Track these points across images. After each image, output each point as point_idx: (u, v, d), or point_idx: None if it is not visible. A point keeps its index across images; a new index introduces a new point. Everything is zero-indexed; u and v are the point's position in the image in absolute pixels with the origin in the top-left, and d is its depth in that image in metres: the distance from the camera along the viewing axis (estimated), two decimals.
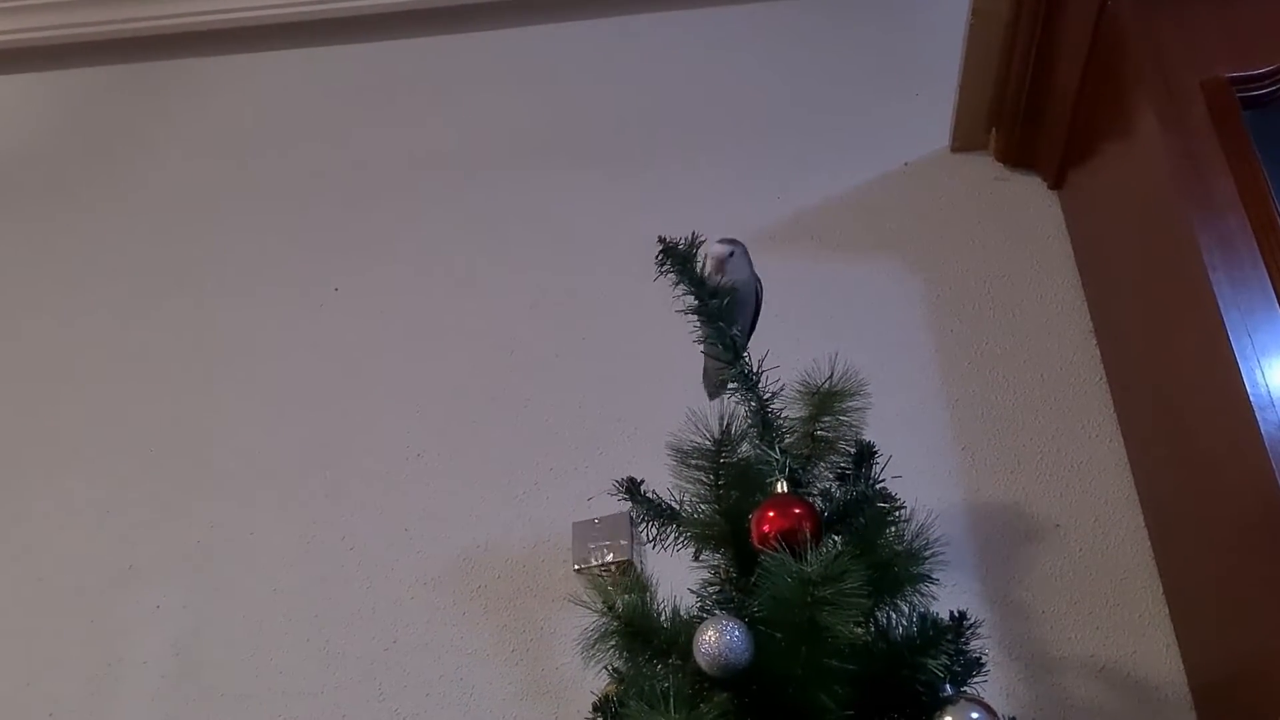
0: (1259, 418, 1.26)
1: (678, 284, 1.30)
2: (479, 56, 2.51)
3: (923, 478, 1.71)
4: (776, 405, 1.25)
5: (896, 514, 1.26)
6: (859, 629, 1.10)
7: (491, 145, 2.35)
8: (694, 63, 2.42)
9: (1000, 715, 1.09)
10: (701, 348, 1.34)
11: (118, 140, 2.53)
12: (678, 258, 1.29)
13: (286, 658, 1.75)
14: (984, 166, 2.09)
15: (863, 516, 1.21)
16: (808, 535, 1.10)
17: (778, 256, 2.02)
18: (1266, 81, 1.54)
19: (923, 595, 1.20)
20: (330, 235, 2.26)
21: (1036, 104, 1.93)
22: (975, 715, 1.07)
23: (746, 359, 1.27)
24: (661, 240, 1.32)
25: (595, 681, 1.26)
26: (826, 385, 1.29)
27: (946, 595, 1.24)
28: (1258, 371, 1.29)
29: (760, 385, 1.25)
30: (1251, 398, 1.27)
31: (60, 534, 1.94)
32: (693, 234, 1.31)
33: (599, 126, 2.34)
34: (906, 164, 2.14)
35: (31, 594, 1.88)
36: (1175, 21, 1.60)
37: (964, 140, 2.10)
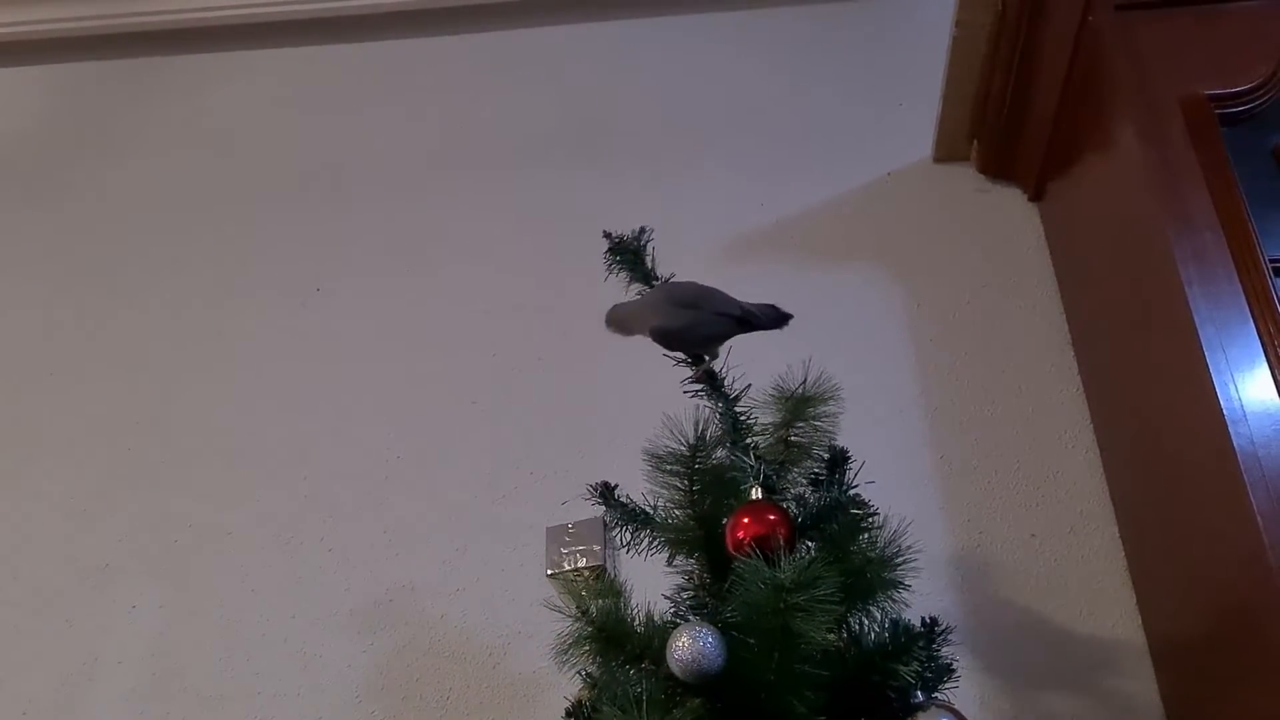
0: (1231, 431, 1.28)
1: (630, 282, 1.31)
2: (462, 59, 2.51)
3: (898, 485, 1.72)
4: (750, 409, 1.26)
5: (870, 520, 1.27)
6: (831, 635, 1.11)
7: (474, 149, 2.35)
8: (677, 71, 2.42)
9: None
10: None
11: (101, 135, 2.51)
12: (627, 254, 1.30)
13: (263, 659, 1.75)
14: (965, 177, 2.11)
15: (836, 523, 1.22)
16: (781, 541, 1.11)
17: (760, 263, 2.04)
18: (1245, 99, 1.55)
19: (895, 602, 1.21)
20: (313, 235, 2.26)
21: (1017, 116, 1.95)
22: None
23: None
24: (607, 235, 1.32)
25: (569, 686, 1.26)
26: (801, 390, 1.29)
27: (920, 602, 1.25)
28: (1231, 385, 1.31)
29: (725, 387, 1.26)
30: (1225, 411, 1.29)
31: (36, 533, 1.93)
32: (641, 228, 1.31)
33: (581, 132, 2.34)
34: (889, 174, 2.15)
35: (6, 593, 1.87)
36: (1155, 37, 1.61)
37: (946, 151, 2.11)
